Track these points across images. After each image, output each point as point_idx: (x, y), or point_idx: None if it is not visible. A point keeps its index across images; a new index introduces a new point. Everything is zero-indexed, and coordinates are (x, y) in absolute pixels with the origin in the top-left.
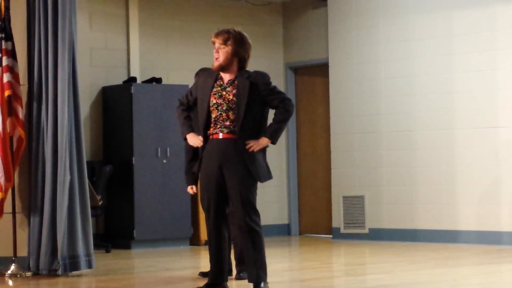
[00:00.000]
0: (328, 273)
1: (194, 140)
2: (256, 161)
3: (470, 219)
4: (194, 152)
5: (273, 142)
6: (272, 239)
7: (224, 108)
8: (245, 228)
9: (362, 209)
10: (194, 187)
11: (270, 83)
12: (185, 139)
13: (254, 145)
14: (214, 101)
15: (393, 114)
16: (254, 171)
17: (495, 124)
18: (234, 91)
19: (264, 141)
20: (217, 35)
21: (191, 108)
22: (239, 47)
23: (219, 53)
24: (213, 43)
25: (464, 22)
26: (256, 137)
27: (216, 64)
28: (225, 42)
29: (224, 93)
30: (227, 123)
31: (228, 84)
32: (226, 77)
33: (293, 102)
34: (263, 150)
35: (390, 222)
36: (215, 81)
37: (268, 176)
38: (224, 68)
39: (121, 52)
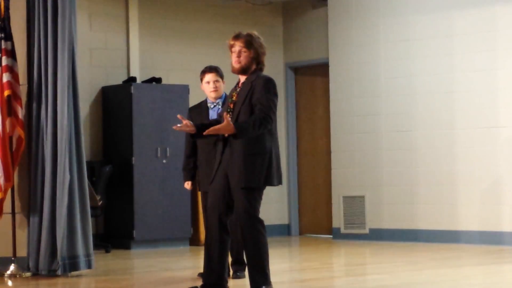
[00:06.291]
0: (329, 274)
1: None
2: (255, 163)
3: (471, 219)
4: (192, 149)
5: (237, 134)
6: (272, 239)
7: (228, 110)
8: (248, 229)
9: (362, 209)
10: (190, 182)
11: (269, 90)
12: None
13: (217, 128)
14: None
15: (393, 114)
16: (250, 171)
17: (495, 124)
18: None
19: (229, 127)
20: (238, 37)
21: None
22: (261, 53)
23: (241, 57)
24: (232, 45)
25: (464, 22)
26: (250, 138)
27: (237, 66)
28: (248, 46)
29: (234, 94)
30: None
31: (239, 87)
32: (242, 79)
33: (271, 120)
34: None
35: (390, 222)
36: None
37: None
38: (245, 70)
39: (121, 52)
